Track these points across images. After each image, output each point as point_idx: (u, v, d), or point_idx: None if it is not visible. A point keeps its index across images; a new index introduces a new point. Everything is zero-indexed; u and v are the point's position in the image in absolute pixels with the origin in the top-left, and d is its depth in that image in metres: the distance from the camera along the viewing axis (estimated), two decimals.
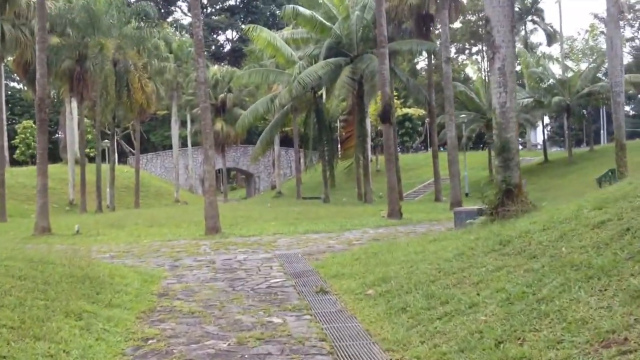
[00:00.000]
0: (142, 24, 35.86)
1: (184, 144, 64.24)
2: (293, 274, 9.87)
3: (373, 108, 48.85)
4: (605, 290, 4.96)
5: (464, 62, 71.07)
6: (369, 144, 39.27)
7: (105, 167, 38.59)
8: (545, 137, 50.81)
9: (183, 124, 60.79)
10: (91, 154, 57.01)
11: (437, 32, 43.56)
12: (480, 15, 68.56)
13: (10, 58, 35.28)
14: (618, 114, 25.77)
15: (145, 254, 13.06)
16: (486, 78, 51.58)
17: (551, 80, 42.31)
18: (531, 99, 41.14)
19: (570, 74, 44.00)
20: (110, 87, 31.40)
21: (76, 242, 16.00)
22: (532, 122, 43.39)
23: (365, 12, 32.28)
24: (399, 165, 33.55)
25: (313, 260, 11.28)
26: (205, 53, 73.89)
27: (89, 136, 61.95)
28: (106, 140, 47.06)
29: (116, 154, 69.69)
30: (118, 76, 33.80)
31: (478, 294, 6.29)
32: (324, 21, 32.46)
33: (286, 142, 64.43)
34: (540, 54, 51.33)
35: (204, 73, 16.33)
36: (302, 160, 49.42)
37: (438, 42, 36.12)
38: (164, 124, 65.92)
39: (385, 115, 19.02)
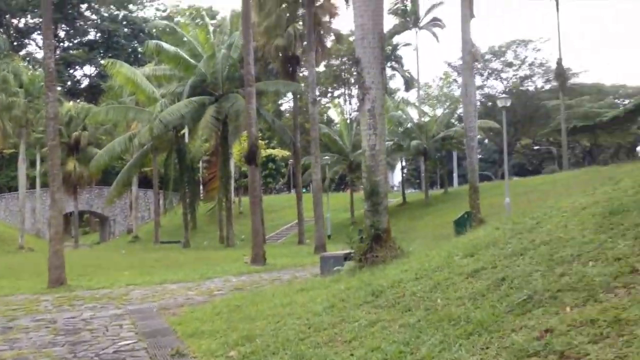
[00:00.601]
0: None
1: (32, 185, 59.74)
2: (146, 334, 8.79)
3: (237, 149, 48.28)
4: (487, 348, 4.56)
5: (327, 105, 72.60)
6: (233, 185, 38.33)
7: None
8: (402, 179, 52.57)
9: (32, 163, 56.53)
10: None
11: (302, 74, 44.14)
12: (343, 59, 70.82)
13: None
14: (472, 158, 26.91)
15: None
16: (349, 121, 52.93)
17: (410, 124, 43.95)
18: (391, 142, 42.40)
19: (426, 119, 45.99)
20: None
21: None
22: (392, 164, 44.69)
23: (231, 50, 31.82)
24: (262, 208, 32.94)
25: (170, 315, 10.24)
26: (60, 88, 70.39)
27: None
28: None
29: None
30: None
31: (352, 354, 5.70)
32: (189, 58, 31.60)
33: (145, 183, 61.88)
34: (399, 99, 53.38)
35: (54, 108, 14.88)
36: (161, 203, 47.54)
37: (303, 85, 36.37)
38: (11, 164, 61.04)
39: (251, 157, 18.40)
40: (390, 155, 42.96)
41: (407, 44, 61.20)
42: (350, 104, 75.98)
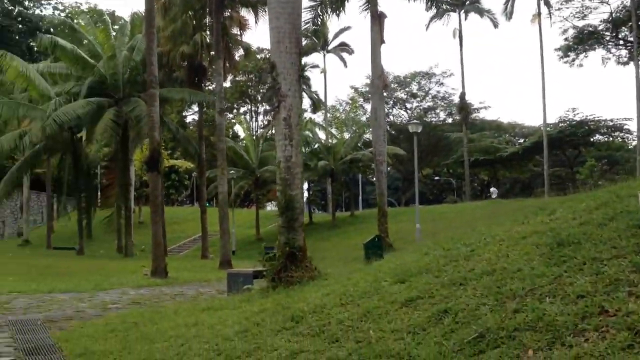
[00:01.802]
0: None
1: None
2: (26, 350, 7.69)
3: (138, 156, 46.33)
4: None
5: (233, 121, 71.52)
6: (132, 193, 36.55)
7: None
8: (308, 198, 52.27)
9: None
10: None
11: (208, 87, 43.00)
12: (249, 76, 70.09)
13: None
14: (380, 182, 26.91)
15: None
16: (255, 137, 52.12)
17: (317, 145, 43.77)
18: None
19: (334, 141, 45.98)
20: None
21: None
22: None
23: (134, 53, 30.41)
24: (164, 218, 31.51)
25: (56, 329, 9.12)
26: None
27: None
28: None
29: None
30: None
31: None
32: (87, 57, 29.80)
33: (38, 185, 58.48)
34: (306, 119, 53.24)
35: None
36: (55, 207, 44.86)
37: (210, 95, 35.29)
38: None
39: (152, 163, 17.24)
40: None
41: (315, 66, 61.12)
42: (256, 120, 75.35)
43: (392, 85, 66.05)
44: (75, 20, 49.35)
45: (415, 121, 36.14)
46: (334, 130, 52.62)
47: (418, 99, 69.89)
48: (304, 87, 66.32)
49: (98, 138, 28.22)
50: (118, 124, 28.15)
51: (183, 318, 8.69)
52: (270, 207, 78.93)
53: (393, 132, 62.29)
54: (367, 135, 46.89)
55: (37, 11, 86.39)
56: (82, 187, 31.46)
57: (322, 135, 48.35)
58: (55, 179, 44.05)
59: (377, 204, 26.29)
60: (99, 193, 42.16)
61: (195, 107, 67.27)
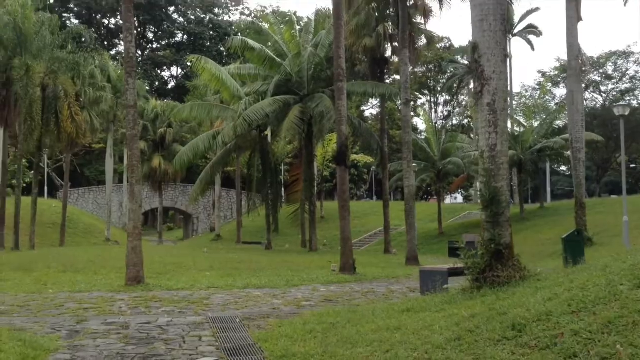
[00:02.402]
0: (74, 48, 33.14)
1: (120, 180, 60.91)
2: (229, 350, 7.56)
3: (320, 152, 47.23)
4: None
5: (412, 113, 70.63)
6: (316, 188, 37.18)
7: (27, 200, 35.32)
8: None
9: (121, 159, 57.64)
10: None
11: (390, 79, 42.57)
12: (428, 66, 68.79)
13: None
14: (578, 171, 24.59)
15: (44, 310, 10.51)
16: (436, 128, 50.84)
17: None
18: None
19: (521, 129, 43.30)
20: (36, 113, 28.41)
21: None
22: None
23: (318, 49, 30.63)
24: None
25: (254, 328, 9.00)
26: (148, 88, 71.64)
27: (15, 167, 58.21)
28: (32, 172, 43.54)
29: (46, 187, 65.87)
30: (47, 102, 30.95)
31: None
32: (274, 56, 30.67)
33: (228, 183, 62.11)
34: None
35: (133, 95, 14.00)
36: (244, 203, 47.12)
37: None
38: (100, 159, 62.48)
39: (341, 157, 16.97)
40: None
41: None
42: (436, 112, 73.85)
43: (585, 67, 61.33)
44: (261, 23, 51.58)
45: (622, 103, 32.62)
46: (520, 119, 49.71)
47: (614, 80, 64.17)
48: None
49: (284, 135, 28.81)
50: (303, 120, 28.57)
51: (383, 320, 8.12)
52: (450, 200, 77.14)
53: (587, 118, 57.66)
54: (559, 122, 43.56)
55: (226, 17, 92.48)
56: (269, 184, 32.44)
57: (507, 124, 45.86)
58: (244, 177, 46.29)
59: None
60: (283, 190, 43.60)
61: (373, 101, 68.07)
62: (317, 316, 9.45)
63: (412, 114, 70.40)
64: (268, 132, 33.29)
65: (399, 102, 50.22)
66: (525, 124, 43.82)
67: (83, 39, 36.63)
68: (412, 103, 72.32)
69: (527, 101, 64.04)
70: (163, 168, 45.91)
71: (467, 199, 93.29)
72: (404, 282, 15.82)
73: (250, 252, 27.73)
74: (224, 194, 60.29)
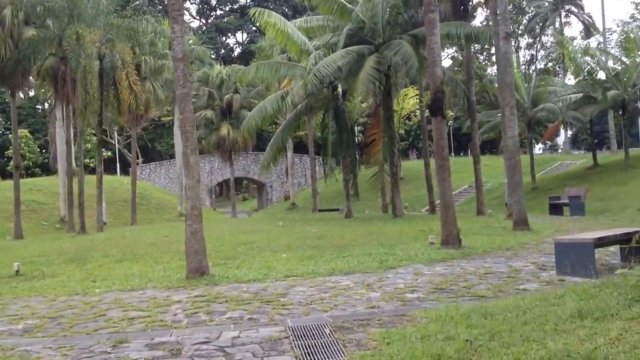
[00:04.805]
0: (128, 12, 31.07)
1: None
2: None
3: (395, 108, 43.92)
4: None
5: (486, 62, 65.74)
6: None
7: (91, 179, 34.03)
8: (592, 138, 45.14)
9: None
10: (91, 165, 52.72)
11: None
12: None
13: None
14: None
15: (78, 324, 8.12)
16: (524, 72, 46.54)
17: (602, 73, 37.12)
18: (580, 94, 35.99)
19: (619, 67, 38.60)
20: (91, 85, 26.45)
21: (1, 292, 11.20)
22: (582, 120, 37.95)
23: None
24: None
25: (353, 345, 6.28)
26: (214, 56, 69.74)
27: (88, 145, 57.82)
28: (103, 149, 42.40)
29: (117, 164, 65.57)
30: (104, 73, 29.06)
31: None
32: (344, 2, 27.48)
33: (300, 148, 59.95)
34: (585, 44, 46.08)
35: (181, 45, 11.34)
36: (317, 168, 44.78)
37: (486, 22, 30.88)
38: (170, 132, 61.32)
39: (436, 105, 13.82)
40: (580, 109, 36.59)
41: None
42: (517, 57, 68.59)
43: None
44: None
45: None
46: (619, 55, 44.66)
47: None
48: (575, 10, 58.33)
49: (360, 88, 25.73)
50: (380, 70, 25.39)
51: (552, 339, 5.21)
52: (537, 150, 72.28)
53: None
54: None
55: None
56: (345, 146, 29.60)
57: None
58: (316, 140, 43.75)
59: None
60: (357, 152, 40.78)
61: (447, 50, 63.70)
62: (436, 322, 6.66)
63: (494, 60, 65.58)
64: (339, 90, 30.40)
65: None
66: (626, 61, 39.03)
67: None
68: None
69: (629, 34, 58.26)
70: (232, 136, 43.88)
71: (552, 148, 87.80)
72: (523, 254, 12.78)
73: (330, 223, 25.07)
74: (296, 160, 58.17)
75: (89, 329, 7.85)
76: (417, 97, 40.94)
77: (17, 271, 13.54)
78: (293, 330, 7.10)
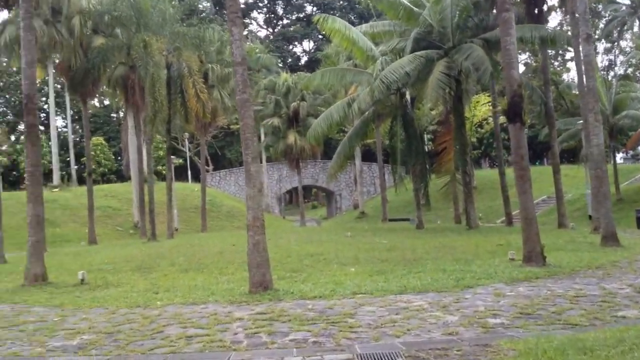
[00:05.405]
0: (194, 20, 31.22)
1: (261, 160, 59.84)
2: None
3: (467, 115, 42.58)
4: None
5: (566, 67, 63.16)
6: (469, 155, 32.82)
7: (162, 186, 34.26)
8: None
9: (260, 138, 56.41)
10: (163, 172, 53.62)
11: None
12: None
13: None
14: None
15: (134, 341, 7.62)
16: (604, 77, 44.27)
17: None
18: None
19: None
20: (159, 93, 26.55)
21: (63, 302, 10.95)
22: None
23: None
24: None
25: None
26: (281, 64, 69.96)
27: (160, 152, 58.89)
28: (173, 157, 42.87)
29: (189, 171, 66.47)
30: (172, 81, 29.21)
31: None
32: (411, 6, 26.61)
33: (369, 156, 59.22)
34: None
35: (240, 49, 10.83)
36: (386, 177, 43.95)
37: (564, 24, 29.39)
38: (240, 139, 61.66)
39: (514, 110, 12.78)
40: None
41: None
42: (601, 61, 65.85)
43: None
44: None
45: None
46: None
47: None
48: None
49: (429, 95, 24.75)
50: (449, 76, 24.40)
51: None
52: (618, 159, 68.89)
53: None
54: None
55: None
56: (414, 153, 28.66)
57: None
58: (385, 148, 42.93)
59: None
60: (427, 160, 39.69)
61: (521, 55, 61.58)
62: (526, 357, 5.80)
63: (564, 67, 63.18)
64: (408, 96, 29.53)
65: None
66: None
67: (202, 8, 34.65)
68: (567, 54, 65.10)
69: None
70: (299, 144, 43.56)
71: (634, 157, 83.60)
72: (616, 274, 11.60)
73: (400, 234, 24.19)
74: (365, 168, 57.45)
75: (144, 347, 7.34)
76: (490, 103, 39.49)
77: (82, 280, 13.36)
78: (361, 359, 6.37)
